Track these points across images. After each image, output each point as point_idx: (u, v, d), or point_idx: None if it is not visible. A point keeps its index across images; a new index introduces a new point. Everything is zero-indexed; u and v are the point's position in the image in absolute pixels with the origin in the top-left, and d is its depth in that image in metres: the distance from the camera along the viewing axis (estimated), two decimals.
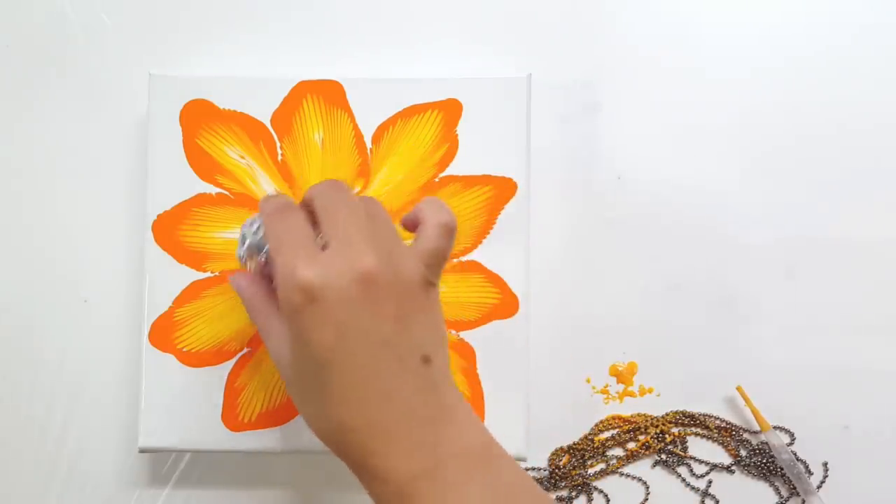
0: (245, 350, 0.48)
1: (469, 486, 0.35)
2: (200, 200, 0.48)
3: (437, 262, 0.38)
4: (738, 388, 0.51)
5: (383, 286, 0.35)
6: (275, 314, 0.39)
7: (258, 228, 0.41)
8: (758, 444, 0.51)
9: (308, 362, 0.36)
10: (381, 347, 0.35)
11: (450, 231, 0.38)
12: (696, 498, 0.51)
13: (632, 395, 0.51)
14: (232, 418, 0.47)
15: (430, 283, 0.37)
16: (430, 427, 0.35)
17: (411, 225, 0.39)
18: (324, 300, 0.34)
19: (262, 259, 0.41)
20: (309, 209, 0.39)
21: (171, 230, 0.48)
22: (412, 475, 0.35)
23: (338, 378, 0.35)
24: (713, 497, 0.51)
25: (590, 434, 0.51)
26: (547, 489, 0.51)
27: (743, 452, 0.51)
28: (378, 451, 0.35)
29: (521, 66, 0.51)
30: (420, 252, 0.37)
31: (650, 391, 0.51)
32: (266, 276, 0.41)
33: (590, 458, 0.51)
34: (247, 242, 0.41)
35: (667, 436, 0.51)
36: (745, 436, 0.51)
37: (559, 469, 0.51)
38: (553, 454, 0.51)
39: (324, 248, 0.36)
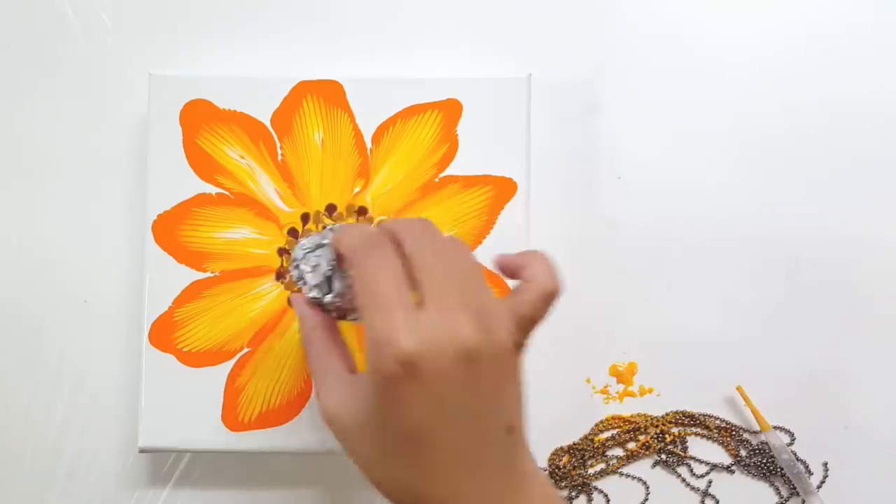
0: (245, 350, 0.48)
1: None
2: (200, 200, 0.48)
3: (532, 329, 0.36)
4: (738, 388, 0.51)
5: (482, 359, 0.33)
6: (332, 351, 0.37)
7: (317, 266, 0.38)
8: (758, 444, 0.51)
9: (393, 430, 0.34)
10: (474, 420, 0.34)
11: (554, 300, 0.37)
12: (696, 498, 0.51)
13: (632, 395, 0.51)
14: (232, 418, 0.47)
15: (520, 348, 0.36)
16: (508, 496, 0.35)
17: (509, 273, 0.38)
18: (423, 374, 0.32)
19: (323, 303, 0.39)
20: (397, 247, 0.35)
21: (171, 230, 0.48)
22: None
23: (426, 451, 0.34)
24: (713, 497, 0.51)
25: (590, 434, 0.51)
26: None
27: (743, 452, 0.51)
28: None
29: (521, 66, 0.51)
30: (518, 316, 0.36)
31: (650, 391, 0.51)
32: (318, 306, 0.39)
33: (590, 458, 0.51)
34: (299, 273, 0.39)
35: (667, 436, 0.51)
36: (745, 436, 0.51)
37: (559, 469, 0.51)
38: (553, 454, 0.51)
39: (418, 304, 0.34)
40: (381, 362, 0.33)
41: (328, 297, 0.38)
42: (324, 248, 0.39)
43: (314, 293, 0.39)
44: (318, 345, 0.38)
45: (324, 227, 0.41)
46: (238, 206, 0.49)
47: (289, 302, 0.48)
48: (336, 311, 0.39)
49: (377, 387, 0.33)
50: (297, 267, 0.39)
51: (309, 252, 0.39)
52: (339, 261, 0.38)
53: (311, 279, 0.39)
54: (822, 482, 0.51)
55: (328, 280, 0.38)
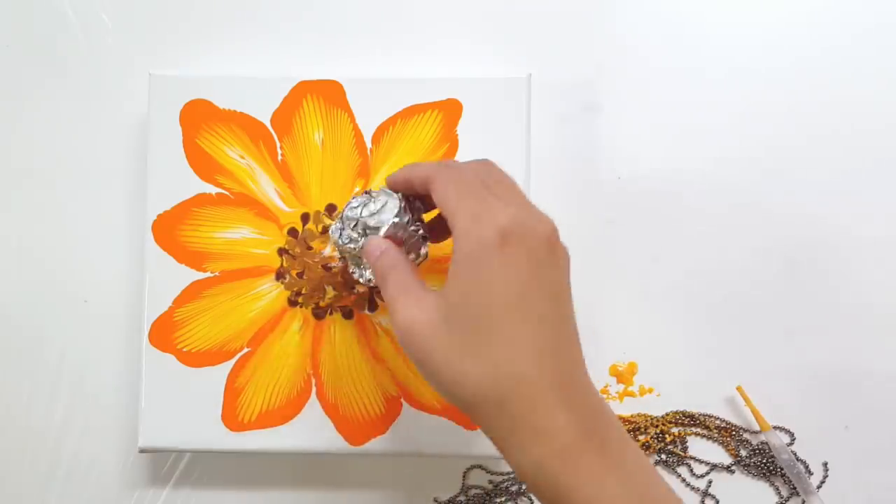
0: (245, 350, 0.48)
1: (626, 456, 0.35)
2: (200, 200, 0.48)
3: None
4: (738, 388, 0.51)
5: (560, 249, 0.37)
6: (413, 274, 0.38)
7: (383, 207, 0.40)
8: (758, 444, 0.51)
9: (484, 308, 0.35)
10: (556, 303, 0.36)
11: None
12: (696, 498, 0.51)
13: (632, 395, 0.51)
14: (232, 418, 0.47)
15: None
16: (584, 395, 0.35)
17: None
18: (517, 248, 0.35)
19: (390, 230, 0.40)
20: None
21: (171, 230, 0.48)
22: (577, 436, 0.34)
23: (520, 325, 0.34)
24: (713, 497, 0.51)
25: None
26: None
27: (743, 452, 0.51)
28: (549, 408, 0.34)
29: (521, 66, 0.51)
30: None
31: (650, 391, 0.51)
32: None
33: None
34: (359, 225, 0.41)
35: (667, 436, 0.51)
36: (745, 436, 0.51)
37: None
38: None
39: None
40: (480, 231, 0.35)
41: (410, 227, 0.40)
42: (381, 195, 0.41)
43: (395, 223, 0.40)
44: (400, 268, 0.39)
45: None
46: (238, 206, 0.49)
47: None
48: (411, 241, 0.41)
49: (469, 262, 0.35)
50: (355, 226, 0.41)
51: (363, 206, 0.41)
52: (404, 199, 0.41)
53: (385, 217, 0.40)
54: (822, 482, 0.51)
55: (404, 212, 0.40)
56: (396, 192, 0.41)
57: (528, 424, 0.34)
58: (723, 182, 0.52)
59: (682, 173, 0.52)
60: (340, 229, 0.41)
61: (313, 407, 0.47)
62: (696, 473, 0.51)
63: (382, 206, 0.40)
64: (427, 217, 0.42)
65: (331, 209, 0.48)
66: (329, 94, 0.49)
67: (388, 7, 0.53)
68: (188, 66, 0.52)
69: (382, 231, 0.40)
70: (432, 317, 0.36)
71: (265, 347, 0.48)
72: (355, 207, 0.41)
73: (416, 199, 0.41)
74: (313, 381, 0.48)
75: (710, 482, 0.51)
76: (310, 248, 0.48)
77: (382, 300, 0.47)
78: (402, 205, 0.40)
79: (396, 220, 0.40)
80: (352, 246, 0.41)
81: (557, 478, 0.33)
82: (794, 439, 0.51)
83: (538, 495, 0.34)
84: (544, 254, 0.35)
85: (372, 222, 0.40)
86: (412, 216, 0.41)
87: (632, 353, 0.52)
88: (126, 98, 0.52)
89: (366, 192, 0.41)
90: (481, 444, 0.47)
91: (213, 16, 0.53)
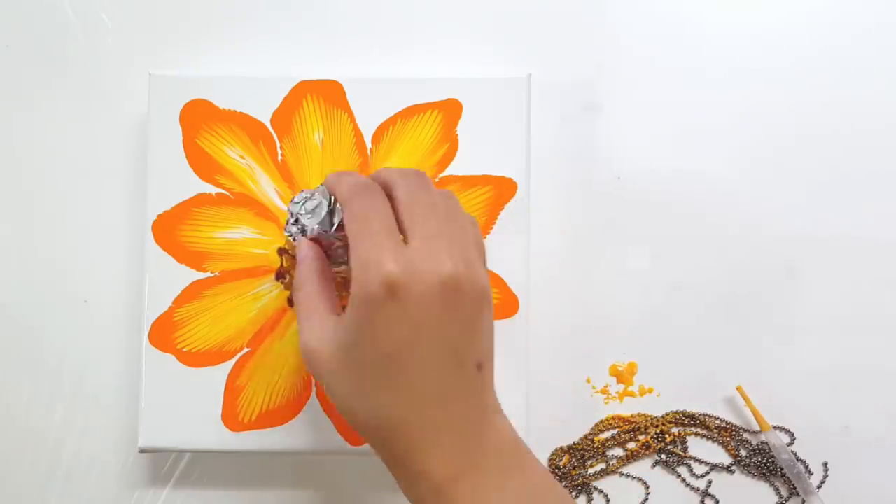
0: (245, 350, 0.48)
1: (505, 485, 0.36)
2: (200, 200, 0.48)
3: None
4: (738, 388, 0.51)
5: (460, 293, 0.35)
6: (323, 293, 0.39)
7: (319, 208, 0.40)
8: (758, 444, 0.51)
9: (369, 356, 0.35)
10: (448, 353, 0.35)
11: None
12: (696, 498, 0.51)
13: (632, 395, 0.51)
14: (232, 418, 0.47)
15: (489, 287, 0.37)
16: (475, 429, 0.36)
17: None
18: (406, 298, 0.34)
19: (326, 235, 0.40)
20: (388, 194, 0.38)
21: (171, 230, 0.48)
22: (453, 474, 0.36)
23: (401, 376, 0.35)
24: (713, 497, 0.51)
25: (590, 434, 0.51)
26: None
27: (743, 452, 0.51)
28: (424, 448, 0.36)
29: (521, 66, 0.51)
30: (483, 253, 0.38)
31: (650, 391, 0.51)
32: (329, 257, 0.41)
33: (590, 458, 0.51)
34: (298, 221, 0.40)
35: (667, 436, 0.51)
36: (745, 436, 0.51)
37: (559, 469, 0.51)
38: (553, 454, 0.51)
39: (405, 241, 0.36)
40: (366, 282, 0.34)
41: (332, 231, 0.40)
42: (318, 195, 0.41)
43: (317, 229, 0.40)
44: (310, 286, 0.39)
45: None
46: (238, 206, 0.49)
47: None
48: (337, 249, 0.41)
49: (359, 309, 0.35)
50: (295, 222, 0.41)
51: (304, 202, 0.41)
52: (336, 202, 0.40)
53: (312, 221, 0.40)
54: (822, 482, 0.51)
55: (330, 215, 0.40)
56: (331, 195, 0.40)
57: (403, 465, 0.36)
58: (723, 182, 0.52)
59: (682, 173, 0.52)
60: (286, 221, 0.42)
61: (313, 407, 0.47)
62: (696, 473, 0.51)
63: (316, 207, 0.40)
64: None
65: None
66: (329, 94, 0.49)
67: (389, 7, 0.53)
68: (188, 66, 0.52)
69: (308, 233, 0.40)
70: (329, 348, 0.37)
71: (265, 347, 0.48)
72: (297, 202, 0.41)
73: None
74: (313, 381, 0.48)
75: (709, 482, 0.51)
76: None
77: None
78: (329, 209, 0.40)
79: (317, 226, 0.40)
80: (294, 241, 0.41)
81: None
82: (794, 439, 0.51)
83: None
84: (438, 301, 0.35)
85: (304, 220, 0.40)
86: (341, 223, 0.40)
87: (632, 353, 0.52)
88: (126, 98, 0.52)
89: (317, 189, 0.41)
90: None
91: (213, 16, 0.53)
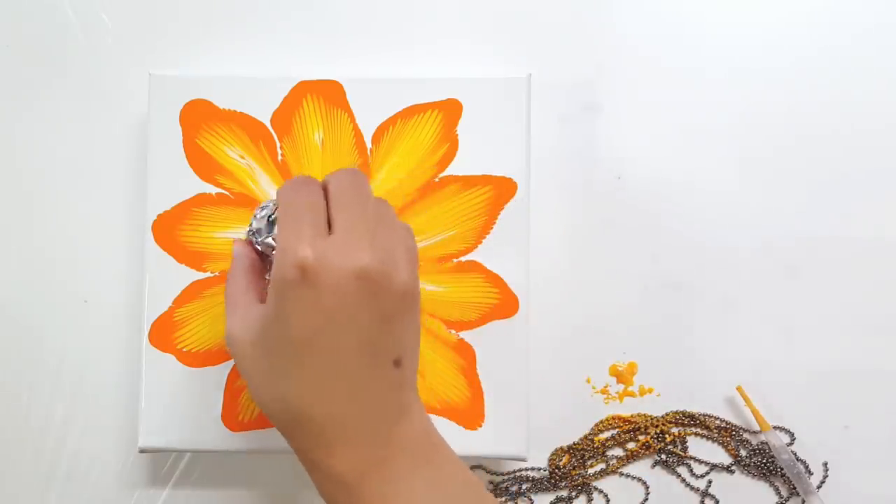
0: None
1: (414, 480, 0.36)
2: (200, 200, 0.48)
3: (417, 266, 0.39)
4: (738, 388, 0.51)
5: (377, 286, 0.35)
6: (251, 287, 0.40)
7: (265, 215, 0.41)
8: (758, 444, 0.51)
9: (282, 342, 0.36)
10: (361, 345, 0.36)
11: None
12: (696, 498, 0.51)
13: (632, 395, 0.51)
14: (232, 418, 0.47)
15: (416, 289, 0.38)
16: (385, 425, 0.36)
17: None
18: (317, 284, 0.35)
19: (259, 242, 0.42)
20: (324, 190, 0.38)
21: (171, 230, 0.48)
22: (360, 470, 0.36)
23: (310, 365, 0.35)
24: (713, 497, 0.51)
25: (590, 434, 0.51)
26: (547, 489, 0.51)
27: (743, 452, 0.51)
28: (330, 444, 0.36)
29: (521, 66, 0.51)
30: (413, 258, 0.38)
31: (650, 391, 0.51)
32: (264, 260, 0.42)
33: (590, 458, 0.51)
34: (251, 225, 0.42)
35: (667, 436, 0.51)
36: (745, 436, 0.51)
37: (559, 469, 0.51)
38: (553, 454, 0.51)
39: (330, 233, 0.36)
40: (282, 267, 0.35)
41: (267, 238, 0.41)
42: (269, 205, 0.42)
43: (254, 232, 0.42)
44: (239, 278, 0.40)
45: None
46: (238, 206, 0.49)
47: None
48: (271, 257, 0.42)
49: (275, 292, 0.35)
50: (250, 226, 0.42)
51: (261, 209, 0.42)
52: None
53: (255, 224, 0.42)
54: (822, 482, 0.51)
55: (270, 224, 0.41)
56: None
57: (311, 460, 0.36)
58: (722, 182, 0.52)
59: (682, 173, 0.52)
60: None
61: None
62: (696, 473, 0.51)
63: (264, 214, 0.42)
64: None
65: None
66: (329, 94, 0.49)
67: (389, 7, 0.53)
68: (188, 66, 0.52)
69: (243, 235, 0.42)
70: (250, 335, 0.37)
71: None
72: (260, 207, 0.42)
73: None
74: None
75: (709, 482, 0.51)
76: None
77: None
78: (272, 218, 0.41)
79: (248, 229, 0.42)
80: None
81: None
82: (794, 439, 0.51)
83: None
84: (351, 290, 0.35)
85: (253, 223, 0.42)
86: (275, 235, 0.41)
87: (632, 353, 0.52)
88: (126, 98, 0.52)
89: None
90: (481, 444, 0.47)
91: (213, 16, 0.53)
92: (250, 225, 0.42)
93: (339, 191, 0.38)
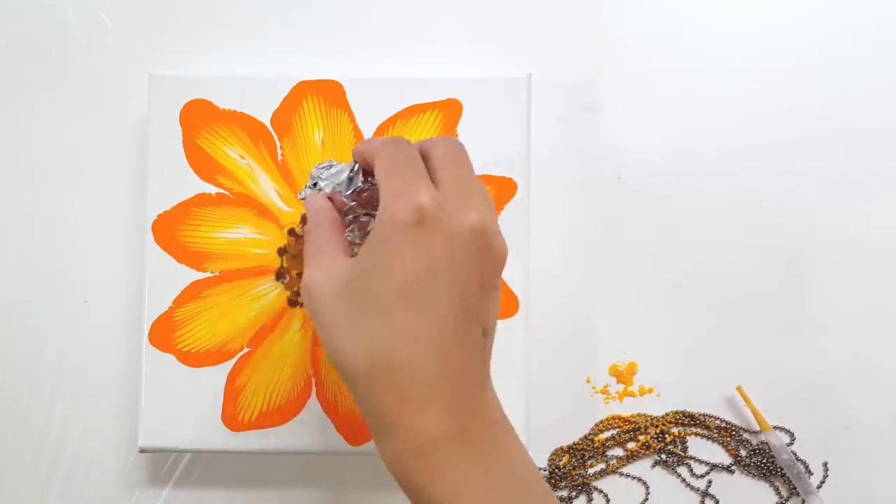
0: (245, 350, 0.48)
1: (493, 455, 0.34)
2: (200, 200, 0.48)
3: None
4: (738, 388, 0.51)
5: (485, 247, 0.34)
6: (335, 238, 0.37)
7: (340, 171, 0.40)
8: (758, 444, 0.51)
9: (381, 285, 0.33)
10: (462, 304, 0.34)
11: None
12: (696, 498, 0.51)
13: (632, 395, 0.51)
14: (232, 418, 0.47)
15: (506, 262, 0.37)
16: (470, 394, 0.34)
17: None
18: (434, 230, 0.33)
19: (339, 189, 0.40)
20: (422, 154, 0.37)
21: (171, 230, 0.48)
22: (441, 436, 0.33)
23: (410, 312, 0.33)
24: (713, 497, 0.51)
25: (590, 434, 0.51)
26: None
27: (743, 452, 0.51)
28: (418, 402, 0.33)
29: (521, 66, 0.51)
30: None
31: (650, 391, 0.51)
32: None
33: (590, 458, 0.51)
34: (316, 185, 0.40)
35: (667, 436, 0.51)
36: (745, 436, 0.51)
37: (559, 469, 0.51)
38: (553, 454, 0.51)
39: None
40: (395, 208, 0.33)
41: (347, 192, 0.40)
42: (340, 165, 0.41)
43: (333, 188, 0.40)
44: (323, 229, 0.38)
45: None
46: (238, 206, 0.49)
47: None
48: (348, 216, 0.40)
49: (381, 233, 0.33)
50: (313, 185, 0.41)
51: (329, 168, 0.41)
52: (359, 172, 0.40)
53: (330, 182, 0.40)
54: (822, 482, 0.51)
55: (349, 179, 0.40)
56: (356, 162, 0.40)
57: (389, 417, 0.33)
58: (723, 182, 0.52)
59: (682, 173, 0.52)
60: (304, 186, 0.42)
61: (313, 407, 0.47)
62: (696, 473, 0.51)
63: (337, 171, 0.40)
64: None
65: None
66: (329, 94, 0.49)
67: (388, 7, 0.53)
68: (188, 66, 0.52)
69: (324, 191, 0.40)
70: (336, 283, 0.35)
71: (265, 347, 0.48)
72: (321, 167, 0.41)
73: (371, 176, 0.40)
74: (313, 381, 0.48)
75: (709, 482, 0.51)
76: None
77: None
78: (349, 175, 0.40)
79: (336, 183, 0.40)
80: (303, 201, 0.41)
81: (412, 475, 0.33)
82: (794, 439, 0.51)
83: (398, 484, 0.34)
84: (462, 244, 0.33)
85: (321, 183, 0.40)
86: (358, 189, 0.40)
87: (632, 353, 0.52)
88: (126, 98, 0.52)
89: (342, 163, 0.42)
90: None
91: (213, 16, 0.53)
92: (314, 184, 0.41)
93: (445, 150, 0.36)
